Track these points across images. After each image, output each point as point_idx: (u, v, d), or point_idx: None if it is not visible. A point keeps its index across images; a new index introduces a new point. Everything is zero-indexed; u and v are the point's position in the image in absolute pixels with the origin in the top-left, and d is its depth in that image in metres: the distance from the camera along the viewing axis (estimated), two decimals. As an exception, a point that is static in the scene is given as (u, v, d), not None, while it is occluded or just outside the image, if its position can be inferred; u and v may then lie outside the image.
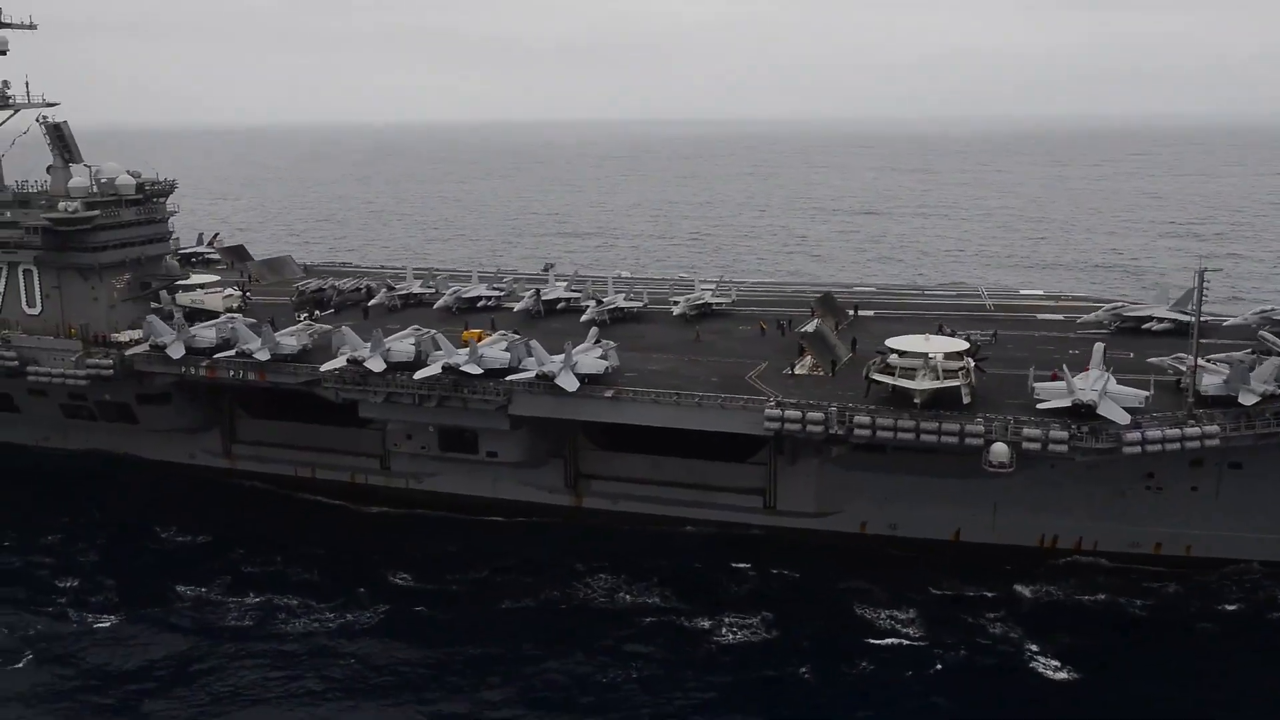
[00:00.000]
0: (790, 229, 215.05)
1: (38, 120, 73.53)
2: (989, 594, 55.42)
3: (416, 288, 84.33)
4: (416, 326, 67.57)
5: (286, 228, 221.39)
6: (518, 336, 65.25)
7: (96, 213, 70.30)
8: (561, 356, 59.27)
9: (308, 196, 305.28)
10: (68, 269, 72.67)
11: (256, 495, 71.97)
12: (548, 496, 67.11)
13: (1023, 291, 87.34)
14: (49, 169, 74.89)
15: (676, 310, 75.73)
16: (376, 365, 61.76)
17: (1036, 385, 54.91)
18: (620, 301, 76.89)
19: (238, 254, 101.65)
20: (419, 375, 60.91)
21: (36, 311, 74.25)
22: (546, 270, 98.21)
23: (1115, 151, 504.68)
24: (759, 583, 57.60)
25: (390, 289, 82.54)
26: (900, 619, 53.13)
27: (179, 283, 78.32)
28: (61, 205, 69.45)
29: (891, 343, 56.81)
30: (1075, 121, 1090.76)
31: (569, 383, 58.04)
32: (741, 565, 59.22)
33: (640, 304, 77.56)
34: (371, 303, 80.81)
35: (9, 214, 72.91)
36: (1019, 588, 56.02)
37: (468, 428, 64.15)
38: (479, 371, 60.09)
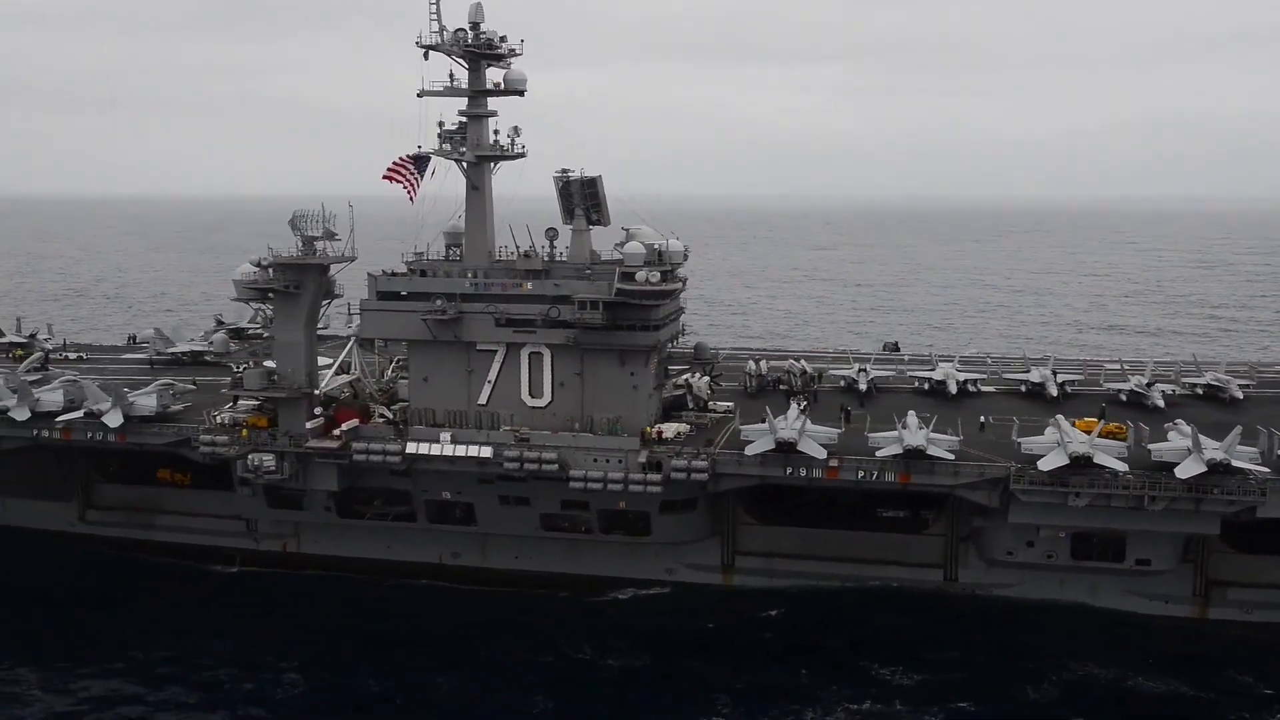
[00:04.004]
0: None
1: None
2: None
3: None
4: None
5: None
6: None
7: (679, 285, 59.06)
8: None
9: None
10: (599, 351, 60.69)
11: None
12: (1163, 608, 59.90)
13: None
14: (547, 232, 62.88)
15: (1241, 394, 69.64)
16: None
17: None
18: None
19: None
20: (1181, 473, 52.90)
21: (543, 403, 61.74)
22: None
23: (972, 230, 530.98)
24: None
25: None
26: None
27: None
28: (640, 275, 57.83)
29: None
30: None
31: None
32: None
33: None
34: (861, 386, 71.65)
35: (529, 286, 60.37)
36: None
37: (1120, 531, 56.76)
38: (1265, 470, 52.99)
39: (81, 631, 59.11)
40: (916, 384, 71.99)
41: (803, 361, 75.41)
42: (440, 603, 63.72)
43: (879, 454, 55.98)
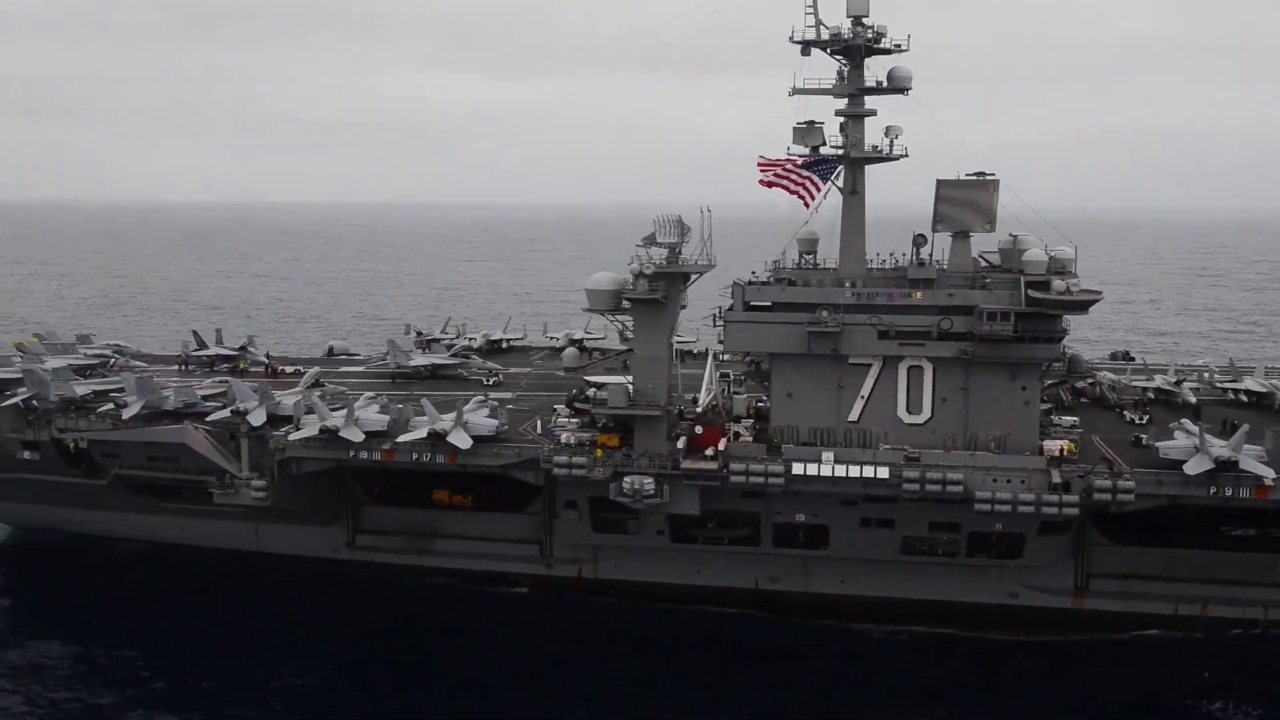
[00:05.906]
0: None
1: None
2: None
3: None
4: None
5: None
6: None
7: (1099, 294, 55.72)
8: None
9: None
10: (988, 365, 57.16)
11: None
12: None
13: None
14: (916, 237, 59.25)
15: None
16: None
17: None
18: None
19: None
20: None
21: (922, 419, 58.05)
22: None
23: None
24: None
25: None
26: None
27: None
28: (1058, 284, 54.57)
29: None
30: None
31: None
32: None
33: None
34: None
35: (919, 296, 56.70)
36: None
37: None
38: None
39: (384, 665, 55.75)
40: (1230, 395, 69.49)
41: (1105, 373, 72.65)
42: (753, 631, 60.16)
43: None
